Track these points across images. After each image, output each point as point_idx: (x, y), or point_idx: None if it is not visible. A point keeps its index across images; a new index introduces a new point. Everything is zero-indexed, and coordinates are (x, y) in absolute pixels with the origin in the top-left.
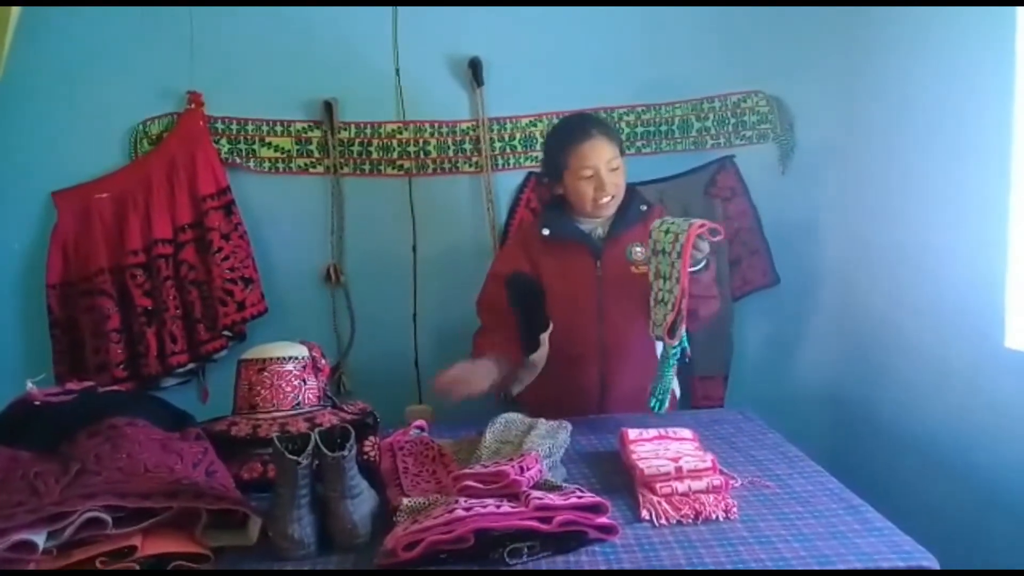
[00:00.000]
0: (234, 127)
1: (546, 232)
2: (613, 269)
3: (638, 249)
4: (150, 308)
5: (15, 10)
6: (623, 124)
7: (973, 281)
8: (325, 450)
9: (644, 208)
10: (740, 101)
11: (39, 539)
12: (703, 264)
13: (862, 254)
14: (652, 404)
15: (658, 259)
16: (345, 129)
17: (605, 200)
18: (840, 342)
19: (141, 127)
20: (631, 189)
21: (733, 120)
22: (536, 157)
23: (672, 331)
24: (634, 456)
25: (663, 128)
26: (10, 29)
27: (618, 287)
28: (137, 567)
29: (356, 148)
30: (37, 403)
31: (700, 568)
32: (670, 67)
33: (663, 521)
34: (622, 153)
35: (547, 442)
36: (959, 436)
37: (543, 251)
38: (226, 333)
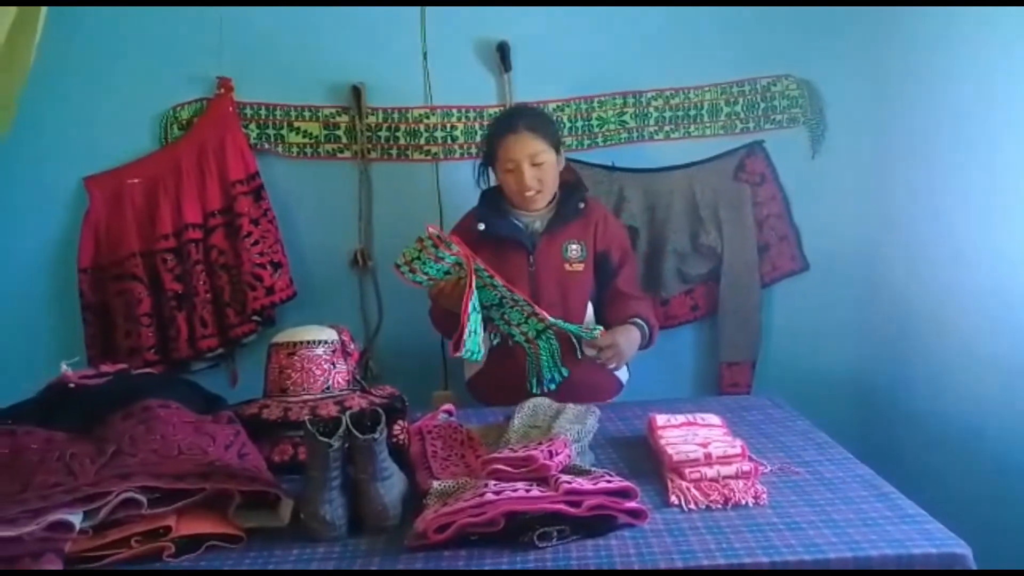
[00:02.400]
0: (263, 112)
1: (481, 227)
2: (546, 265)
3: (574, 247)
4: (180, 292)
5: None
6: (651, 108)
7: (1005, 265)
8: (356, 433)
9: (582, 205)
10: (770, 85)
11: (75, 519)
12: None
13: (893, 239)
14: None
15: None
16: (373, 114)
17: (529, 194)
18: (870, 328)
19: (171, 112)
20: (571, 185)
21: (763, 104)
22: (565, 143)
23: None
24: (663, 442)
25: (692, 112)
26: (42, 16)
27: (551, 283)
28: (172, 546)
29: (384, 133)
30: (72, 385)
31: (730, 553)
32: (699, 51)
33: (692, 506)
34: (557, 149)
35: (575, 427)
36: (992, 423)
37: (479, 244)
38: (255, 318)
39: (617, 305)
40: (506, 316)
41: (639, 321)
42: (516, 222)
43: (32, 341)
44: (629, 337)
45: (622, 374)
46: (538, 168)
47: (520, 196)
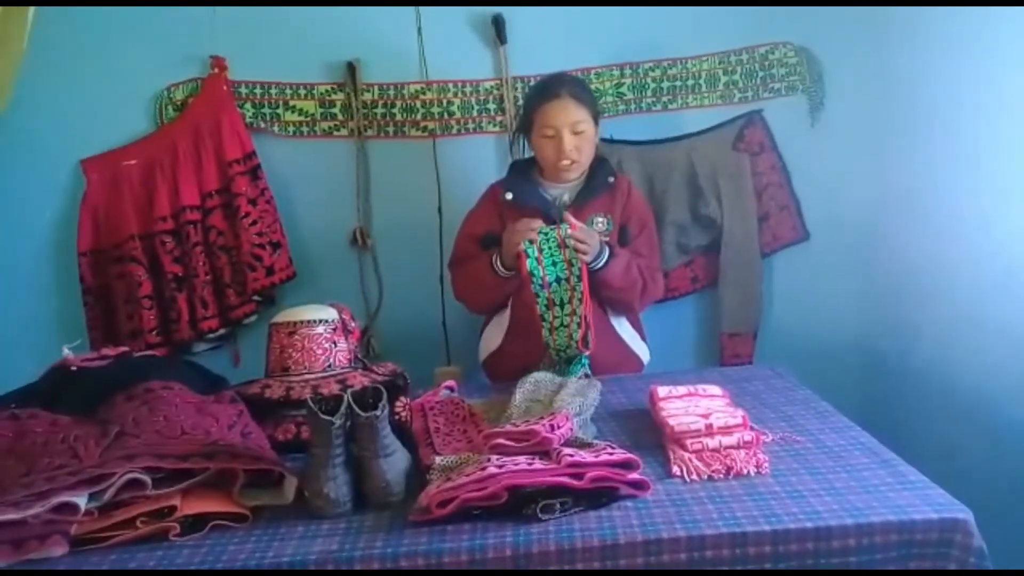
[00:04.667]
0: (258, 91)
1: (509, 196)
2: None
3: (600, 220)
4: (180, 275)
5: None
6: (648, 79)
7: (1009, 233)
8: (358, 410)
9: (611, 180)
10: (768, 53)
11: (81, 501)
12: (603, 259)
13: (893, 207)
14: None
15: (548, 290)
16: (368, 91)
17: (565, 163)
18: (871, 297)
19: (166, 93)
20: (600, 159)
21: (761, 73)
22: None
23: (585, 342)
24: (664, 413)
25: (690, 83)
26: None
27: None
28: (177, 526)
29: (380, 110)
30: (74, 368)
31: (732, 522)
32: (696, 20)
33: (694, 477)
34: (596, 121)
35: (577, 400)
36: (995, 391)
37: (507, 215)
38: (256, 298)
39: None
40: (553, 296)
41: (614, 249)
42: (544, 194)
43: (33, 326)
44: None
45: (643, 353)
46: (578, 137)
47: (555, 165)
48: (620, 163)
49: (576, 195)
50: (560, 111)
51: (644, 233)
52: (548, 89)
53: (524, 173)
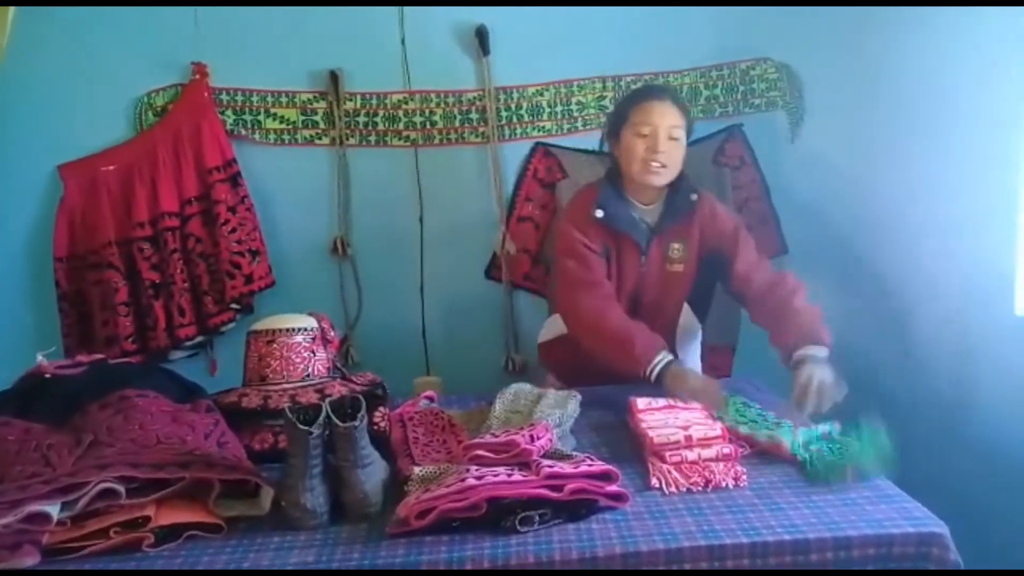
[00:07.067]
0: (239, 98)
1: (599, 214)
2: (654, 265)
3: (676, 246)
4: (157, 281)
5: None
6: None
7: (984, 248)
8: (336, 420)
9: (694, 197)
10: (749, 68)
11: (53, 510)
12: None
13: (872, 222)
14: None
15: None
16: (351, 99)
17: (655, 166)
18: (850, 312)
19: (146, 99)
20: (682, 175)
21: (742, 88)
22: (543, 127)
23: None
24: (643, 425)
25: None
26: (10, 13)
27: (655, 282)
28: (151, 536)
29: (362, 119)
30: (48, 376)
31: (711, 534)
32: (678, 34)
33: (673, 489)
34: (689, 133)
35: (557, 412)
36: (974, 405)
37: (593, 230)
38: (234, 306)
39: (760, 303)
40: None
41: (816, 351)
42: (633, 214)
43: (7, 331)
44: (821, 371)
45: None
46: (673, 143)
47: (645, 165)
48: None
49: (659, 218)
50: (662, 111)
51: (741, 246)
52: (653, 91)
53: (615, 186)
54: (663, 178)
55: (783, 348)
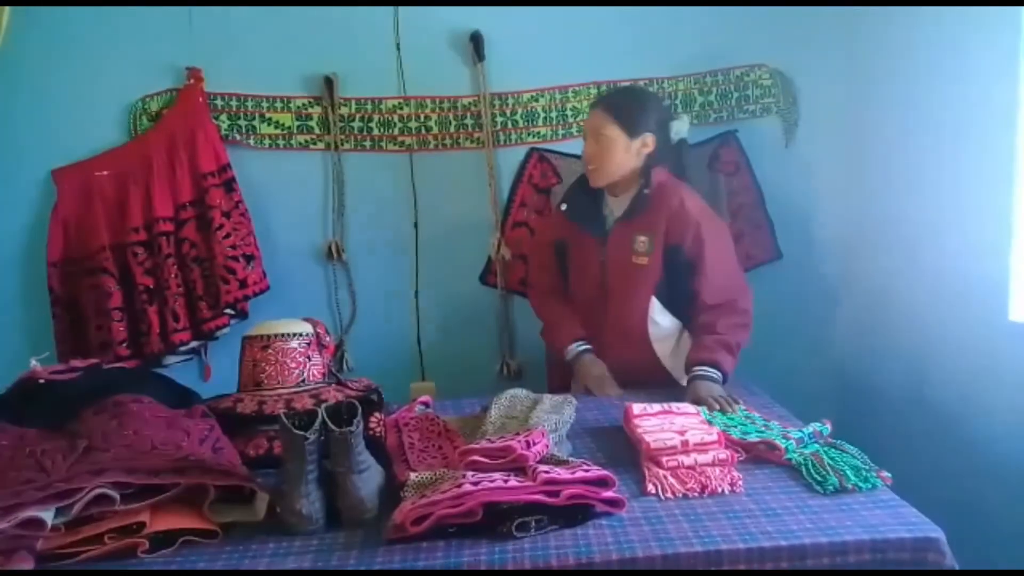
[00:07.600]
0: (234, 103)
1: (563, 207)
2: (616, 256)
3: (641, 238)
4: (152, 286)
5: None
6: None
7: (978, 254)
8: (332, 426)
9: (646, 191)
10: (743, 75)
11: (47, 516)
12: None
13: (866, 228)
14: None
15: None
16: (346, 105)
17: (589, 167)
18: (844, 317)
19: (140, 103)
20: (644, 171)
21: (736, 94)
22: (538, 133)
23: None
24: (639, 430)
25: (665, 103)
26: (5, 15)
27: (619, 274)
28: (146, 542)
29: (357, 124)
30: (42, 381)
31: (707, 540)
32: (672, 40)
33: (669, 495)
34: (632, 132)
35: (553, 417)
36: (968, 410)
37: (561, 224)
38: (228, 311)
39: (695, 323)
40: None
41: (708, 371)
42: (601, 208)
43: (1, 337)
44: (707, 388)
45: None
46: (598, 144)
47: (584, 166)
48: None
49: (623, 212)
50: (591, 116)
51: (707, 252)
52: (594, 101)
53: (582, 185)
54: (597, 176)
55: (687, 361)
